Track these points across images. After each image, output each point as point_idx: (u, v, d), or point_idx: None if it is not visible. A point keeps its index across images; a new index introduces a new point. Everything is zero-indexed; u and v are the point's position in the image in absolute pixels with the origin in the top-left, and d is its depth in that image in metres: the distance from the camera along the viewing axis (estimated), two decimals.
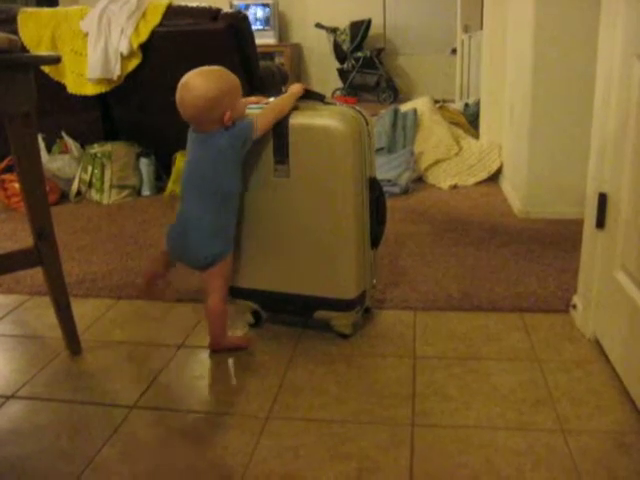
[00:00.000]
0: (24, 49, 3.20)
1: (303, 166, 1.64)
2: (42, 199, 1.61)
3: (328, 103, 1.75)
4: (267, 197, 1.69)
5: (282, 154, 1.65)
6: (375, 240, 1.77)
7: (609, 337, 1.61)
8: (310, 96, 1.77)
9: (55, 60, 1.69)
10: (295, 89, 1.70)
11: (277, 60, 6.97)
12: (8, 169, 3.09)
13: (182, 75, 1.76)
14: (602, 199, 1.62)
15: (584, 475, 1.21)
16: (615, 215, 1.56)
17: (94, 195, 3.26)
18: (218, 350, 1.72)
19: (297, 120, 1.63)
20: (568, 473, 1.22)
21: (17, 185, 2.93)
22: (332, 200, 1.65)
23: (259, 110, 1.66)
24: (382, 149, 3.59)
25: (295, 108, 1.66)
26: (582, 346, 1.70)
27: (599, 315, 1.68)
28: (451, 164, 3.55)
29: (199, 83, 1.58)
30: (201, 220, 1.63)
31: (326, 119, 1.62)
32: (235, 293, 1.80)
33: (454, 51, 6.28)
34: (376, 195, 1.73)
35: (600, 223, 1.64)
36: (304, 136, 1.63)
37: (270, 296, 1.78)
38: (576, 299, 1.84)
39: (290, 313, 1.83)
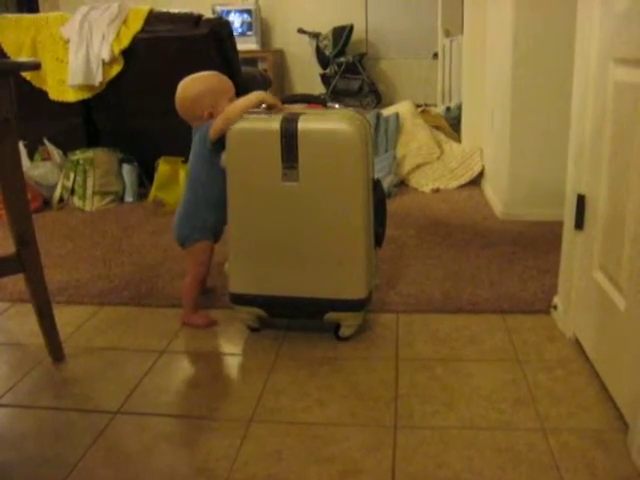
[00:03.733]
0: (4, 55, 3.19)
1: (312, 170, 1.64)
2: (24, 206, 1.60)
3: (330, 107, 1.77)
4: (275, 202, 1.68)
5: (291, 159, 1.63)
6: (378, 239, 1.80)
7: (588, 336, 1.63)
8: (312, 101, 1.79)
9: (35, 66, 1.69)
10: (253, 97, 1.71)
11: (260, 66, 6.96)
12: None
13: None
14: (580, 200, 1.65)
15: (564, 472, 1.22)
16: (593, 216, 1.58)
17: (77, 202, 3.25)
18: (185, 324, 1.90)
19: (306, 125, 1.63)
20: (549, 470, 1.23)
21: None
22: (343, 202, 1.66)
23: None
24: None
25: (300, 113, 1.67)
26: (563, 346, 1.72)
27: (579, 315, 1.70)
28: (433, 168, 3.58)
29: (184, 84, 1.82)
30: (181, 202, 1.89)
31: (336, 123, 1.63)
32: (239, 300, 1.78)
33: (435, 55, 6.32)
34: (379, 196, 1.76)
35: (579, 224, 1.66)
36: (313, 140, 1.63)
37: (278, 301, 1.75)
38: (557, 300, 1.86)
39: (299, 317, 1.84)
